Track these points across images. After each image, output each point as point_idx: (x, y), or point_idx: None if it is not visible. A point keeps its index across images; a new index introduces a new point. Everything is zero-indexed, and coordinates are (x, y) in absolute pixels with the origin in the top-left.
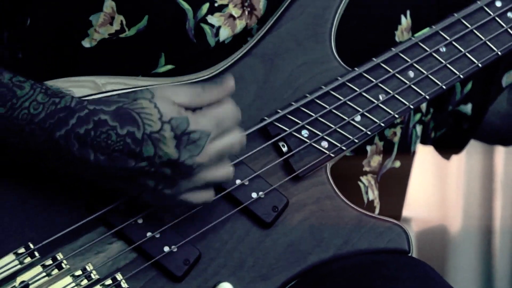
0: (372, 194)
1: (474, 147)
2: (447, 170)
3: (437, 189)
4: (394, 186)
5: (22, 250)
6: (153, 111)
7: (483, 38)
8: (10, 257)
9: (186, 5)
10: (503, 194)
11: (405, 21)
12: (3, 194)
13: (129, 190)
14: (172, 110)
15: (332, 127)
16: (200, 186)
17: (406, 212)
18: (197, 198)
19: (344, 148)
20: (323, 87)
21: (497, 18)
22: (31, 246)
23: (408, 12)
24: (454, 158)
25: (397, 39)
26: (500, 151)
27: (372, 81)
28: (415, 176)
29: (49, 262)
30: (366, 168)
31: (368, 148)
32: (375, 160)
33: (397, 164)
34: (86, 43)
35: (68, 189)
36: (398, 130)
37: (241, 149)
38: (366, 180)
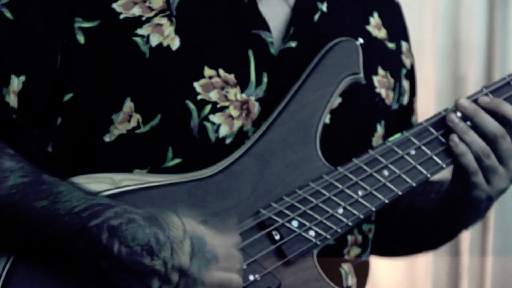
0: (351, 280)
1: None
2: None
3: (406, 269)
4: (361, 277)
5: None
6: (178, 223)
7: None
8: None
9: (192, 106)
10: (469, 275)
11: (380, 129)
12: (31, 278)
13: None
14: (195, 226)
15: (318, 219)
16: None
17: None
18: None
19: (328, 236)
20: (310, 183)
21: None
22: None
23: (382, 122)
24: None
25: (373, 144)
26: (466, 235)
27: (352, 179)
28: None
29: None
30: (347, 257)
31: (349, 237)
32: (355, 252)
33: (368, 258)
34: (106, 138)
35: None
36: (373, 227)
37: None
38: (347, 267)
